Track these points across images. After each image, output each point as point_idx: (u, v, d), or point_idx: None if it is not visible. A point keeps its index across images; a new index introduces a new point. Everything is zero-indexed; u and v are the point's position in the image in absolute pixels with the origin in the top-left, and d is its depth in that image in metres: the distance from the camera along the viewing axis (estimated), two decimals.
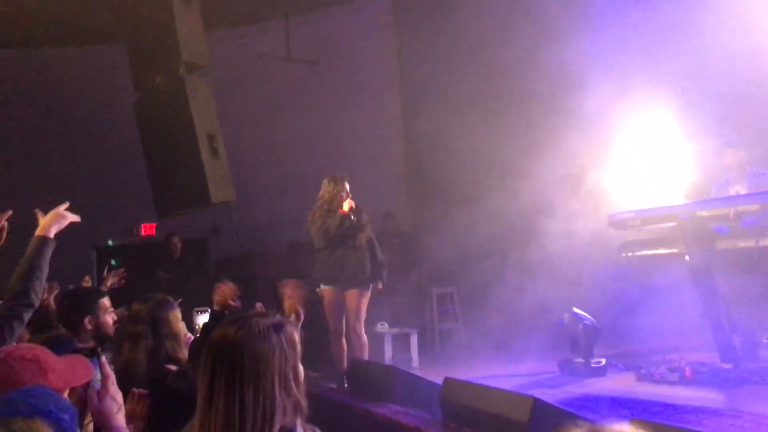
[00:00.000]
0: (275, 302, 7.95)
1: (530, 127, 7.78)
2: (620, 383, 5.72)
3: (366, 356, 5.95)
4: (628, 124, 7.01)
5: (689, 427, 4.21)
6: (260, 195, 9.97)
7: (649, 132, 7.13)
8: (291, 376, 1.83)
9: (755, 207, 5.23)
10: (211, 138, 7.75)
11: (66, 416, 1.61)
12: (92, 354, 2.01)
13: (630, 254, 6.42)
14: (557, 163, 7.15)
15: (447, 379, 4.13)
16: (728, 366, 5.42)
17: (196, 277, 8.52)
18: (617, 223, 6.24)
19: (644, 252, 6.34)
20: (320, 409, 2.10)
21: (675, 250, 6.04)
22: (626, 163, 7.17)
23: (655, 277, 6.39)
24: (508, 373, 6.31)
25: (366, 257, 5.99)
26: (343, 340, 6.08)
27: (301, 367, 1.89)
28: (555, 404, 3.76)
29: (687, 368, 5.47)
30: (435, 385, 4.37)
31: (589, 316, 6.24)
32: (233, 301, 3.86)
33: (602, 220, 6.41)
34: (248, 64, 10.49)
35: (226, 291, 3.89)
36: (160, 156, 8.31)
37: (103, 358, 2.06)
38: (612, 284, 7.02)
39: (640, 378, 5.68)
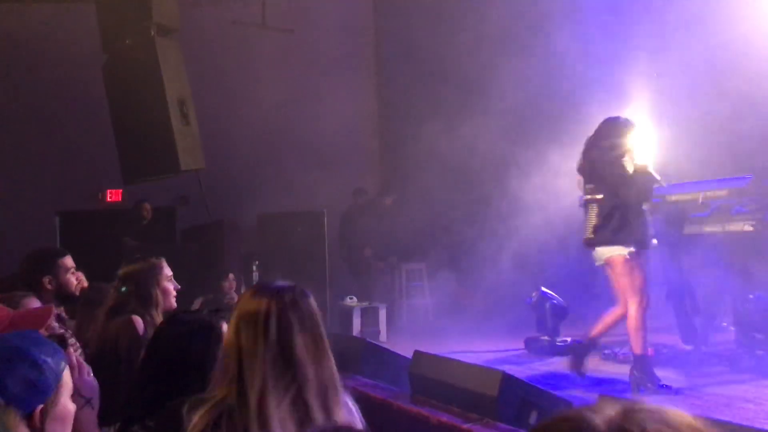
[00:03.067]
0: (244, 274, 7.91)
1: (509, 113, 7.77)
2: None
3: None
4: (605, 111, 7.05)
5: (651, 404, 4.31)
6: (232, 164, 9.82)
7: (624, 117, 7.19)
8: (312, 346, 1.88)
9: (723, 192, 5.32)
10: (181, 103, 7.58)
11: (49, 360, 1.56)
12: (60, 343, 1.91)
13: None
14: (533, 147, 7.20)
15: (417, 352, 4.13)
16: (689, 347, 5.55)
17: (163, 246, 8.38)
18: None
19: None
20: None
21: None
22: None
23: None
24: (475, 349, 6.35)
25: None
26: None
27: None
28: (524, 379, 3.79)
29: (650, 349, 5.57)
30: (404, 358, 4.38)
31: (556, 296, 6.31)
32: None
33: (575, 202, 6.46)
34: (222, 30, 10.26)
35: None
36: (128, 120, 8.10)
37: (71, 350, 1.96)
38: (581, 265, 7.10)
39: (605, 357, 5.77)
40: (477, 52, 8.17)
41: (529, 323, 6.53)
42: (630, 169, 4.74)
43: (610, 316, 4.95)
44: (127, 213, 9.15)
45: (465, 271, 8.07)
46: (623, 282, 4.76)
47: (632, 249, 4.69)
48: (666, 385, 4.65)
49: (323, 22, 10.51)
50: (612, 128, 4.89)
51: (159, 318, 3.23)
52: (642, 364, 4.72)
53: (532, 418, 3.42)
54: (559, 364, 5.75)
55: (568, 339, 6.20)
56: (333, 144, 9.80)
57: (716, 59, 6.62)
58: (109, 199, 10.37)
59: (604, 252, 4.79)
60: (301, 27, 10.55)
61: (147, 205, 8.90)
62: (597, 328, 5.01)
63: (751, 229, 5.13)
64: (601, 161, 4.82)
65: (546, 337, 6.19)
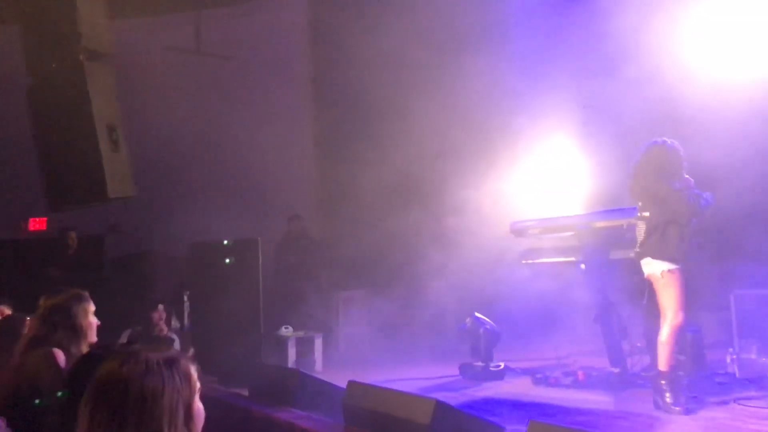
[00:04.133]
0: (175, 305, 7.69)
1: (442, 138, 7.92)
2: (518, 387, 5.90)
3: None
4: (534, 138, 7.28)
5: (583, 428, 4.40)
6: (165, 191, 9.59)
7: (553, 146, 7.44)
8: (181, 414, 1.72)
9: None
10: (111, 129, 7.38)
11: None
12: None
13: (530, 262, 6.63)
14: (466, 172, 7.33)
15: (350, 383, 4.10)
16: (617, 370, 5.70)
17: (89, 276, 8.07)
18: (518, 231, 6.45)
19: (543, 260, 6.56)
20: (221, 414, 2.02)
21: (572, 259, 6.30)
22: (530, 174, 7.44)
23: (551, 284, 6.65)
24: (412, 376, 6.36)
25: None
26: None
27: (198, 405, 1.78)
28: (457, 407, 3.81)
29: (580, 372, 5.72)
30: (338, 388, 4.33)
31: (489, 321, 6.39)
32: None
33: (506, 228, 6.61)
34: (157, 55, 10.10)
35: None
36: (54, 146, 7.80)
37: None
38: (513, 290, 7.24)
39: (537, 382, 5.88)
40: (410, 78, 8.29)
41: (465, 349, 6.58)
42: (672, 188, 4.92)
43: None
44: (52, 242, 8.80)
45: (402, 297, 8.10)
46: (661, 297, 4.90)
47: (672, 266, 4.81)
48: (686, 408, 4.66)
49: (260, 49, 10.49)
50: (664, 152, 5.06)
51: (85, 351, 3.12)
52: (665, 380, 4.76)
53: None
54: (493, 390, 5.83)
55: (501, 364, 6.29)
56: (269, 171, 9.74)
57: (645, 90, 6.94)
58: (32, 228, 9.95)
59: (646, 266, 4.98)
60: (237, 54, 10.50)
61: (73, 234, 8.59)
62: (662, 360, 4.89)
63: None
64: (646, 183, 5.03)
65: (480, 363, 6.25)
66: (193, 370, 1.78)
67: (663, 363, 4.79)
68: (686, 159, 5.08)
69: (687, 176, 5.03)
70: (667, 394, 4.70)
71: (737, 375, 5.43)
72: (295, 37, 10.93)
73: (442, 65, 7.84)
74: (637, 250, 5.09)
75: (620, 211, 5.92)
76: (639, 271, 5.77)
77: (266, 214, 8.82)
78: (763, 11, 6.40)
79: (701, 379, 5.32)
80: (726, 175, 5.92)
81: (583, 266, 6.08)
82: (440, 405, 3.48)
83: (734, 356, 5.52)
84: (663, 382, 4.76)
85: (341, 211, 9.31)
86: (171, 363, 1.75)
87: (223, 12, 10.74)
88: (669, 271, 4.80)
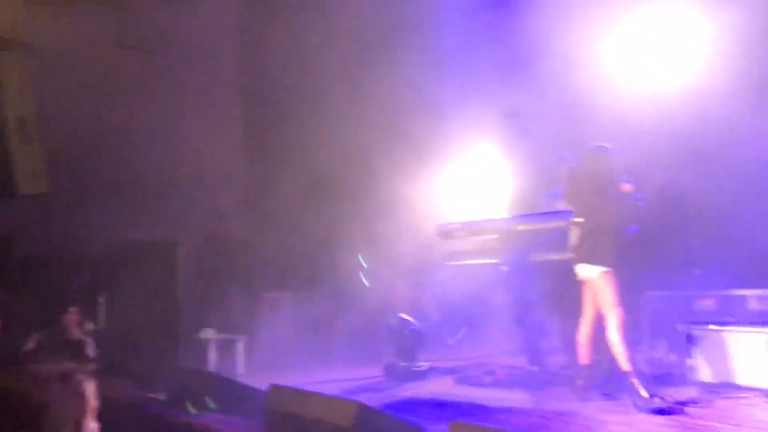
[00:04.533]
0: (88, 306, 7.36)
1: (369, 140, 7.92)
2: (440, 386, 5.98)
3: None
4: (459, 142, 7.40)
5: (501, 427, 4.50)
6: (84, 188, 9.18)
7: (477, 150, 7.59)
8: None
9: (564, 224, 5.73)
10: (22, 122, 7.01)
11: None
12: None
13: (455, 263, 6.74)
14: (393, 174, 7.37)
15: (272, 386, 4.05)
16: (535, 368, 5.87)
17: None
18: (444, 233, 6.55)
19: (467, 261, 6.69)
20: (135, 420, 1.94)
21: (495, 261, 6.44)
22: (456, 177, 7.56)
23: (476, 286, 6.78)
24: (336, 378, 6.34)
25: None
26: None
27: (90, 424, 1.70)
28: (379, 408, 3.82)
29: (500, 371, 5.85)
30: (260, 392, 4.27)
31: (415, 321, 6.45)
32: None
33: (432, 230, 6.70)
34: (78, 47, 9.65)
35: None
36: None
37: None
38: (438, 291, 7.34)
39: (458, 381, 5.98)
40: (339, 78, 8.27)
41: (391, 349, 6.61)
42: (608, 195, 5.04)
43: (582, 337, 5.17)
44: None
45: (328, 298, 8.07)
46: (601, 299, 5.00)
47: (606, 268, 4.94)
48: (658, 409, 4.65)
49: (186, 44, 10.21)
50: (595, 158, 5.15)
51: None
52: (633, 378, 4.80)
53: None
54: (416, 390, 5.88)
55: (426, 364, 6.36)
56: (193, 170, 9.48)
57: (566, 95, 7.17)
58: None
59: (582, 271, 5.09)
60: (161, 49, 10.17)
61: None
62: (584, 354, 5.17)
63: None
64: (578, 188, 5.16)
65: (404, 363, 6.30)
66: (90, 387, 1.70)
67: (624, 362, 4.85)
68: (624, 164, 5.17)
69: (627, 181, 5.11)
70: (642, 391, 4.73)
71: (646, 373, 5.68)
72: (222, 34, 10.70)
73: (370, 66, 7.86)
74: (572, 255, 5.26)
75: (541, 216, 6.11)
76: (558, 273, 5.98)
77: (190, 213, 8.59)
78: (676, 17, 6.71)
79: (615, 377, 5.53)
80: (641, 180, 6.20)
81: (505, 268, 6.24)
82: (362, 407, 3.48)
83: (644, 355, 5.77)
84: (633, 380, 4.80)
85: (268, 212, 9.17)
86: (64, 378, 1.67)
87: (148, 4, 10.39)
88: (604, 272, 4.95)
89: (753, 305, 5.58)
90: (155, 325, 6.37)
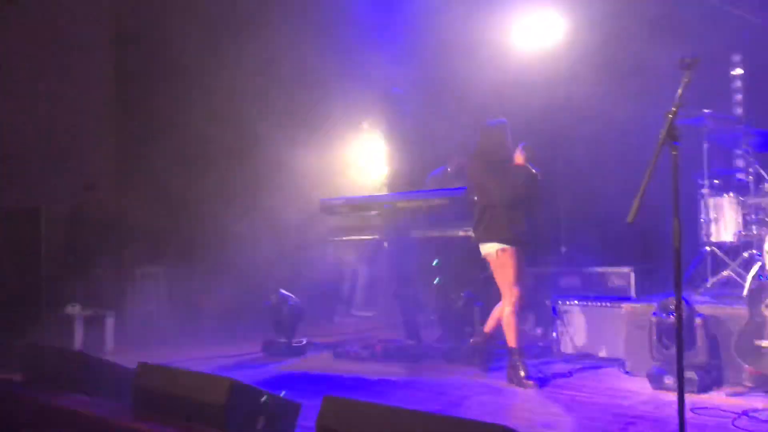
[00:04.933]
0: None
1: (251, 110, 7.69)
2: (319, 362, 5.99)
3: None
4: (345, 119, 7.37)
5: (377, 399, 4.57)
6: None
7: (362, 127, 7.59)
8: None
9: (444, 201, 5.87)
10: None
11: None
12: None
13: (337, 239, 6.73)
14: (276, 147, 7.21)
15: (141, 364, 3.86)
16: (412, 342, 6.01)
17: None
18: (327, 209, 6.51)
19: (349, 237, 6.70)
20: None
21: (376, 236, 6.50)
22: (339, 154, 7.53)
23: (356, 260, 6.83)
24: (212, 355, 6.19)
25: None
26: None
27: None
28: (254, 385, 3.75)
29: (378, 345, 5.95)
30: (129, 370, 4.06)
31: (294, 297, 6.40)
32: None
33: (315, 205, 6.64)
34: None
35: None
36: None
37: None
38: (319, 266, 7.31)
39: (337, 356, 6.01)
40: (217, 44, 7.93)
41: (269, 325, 6.53)
42: (500, 170, 4.92)
43: (497, 310, 5.09)
44: None
45: (205, 273, 7.80)
46: (498, 277, 4.95)
47: (504, 246, 4.86)
48: (539, 378, 4.84)
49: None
50: (485, 134, 5.06)
51: None
52: (516, 355, 4.85)
53: (260, 423, 3.39)
54: (295, 365, 5.86)
55: (304, 340, 6.35)
56: (61, 134, 8.80)
57: (452, 80, 7.31)
58: None
59: (482, 249, 5.01)
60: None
61: None
62: (489, 324, 5.17)
63: (463, 234, 5.73)
64: (473, 166, 5.05)
65: (283, 339, 6.25)
66: None
67: (511, 339, 4.88)
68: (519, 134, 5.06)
69: (520, 150, 4.97)
70: (521, 370, 4.80)
71: None
72: None
73: (253, 37, 7.59)
74: (471, 234, 5.23)
75: (422, 193, 6.22)
76: (436, 250, 6.13)
77: (56, 182, 7.97)
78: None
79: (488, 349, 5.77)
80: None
81: (385, 244, 6.33)
82: (236, 384, 3.39)
83: None
84: (515, 357, 4.85)
85: (140, 181, 8.67)
86: None
87: None
88: (502, 250, 4.88)
89: (613, 282, 6.01)
90: (13, 300, 5.89)
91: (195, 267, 7.55)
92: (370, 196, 6.59)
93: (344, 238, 6.43)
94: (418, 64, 6.99)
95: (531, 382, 4.75)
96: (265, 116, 7.14)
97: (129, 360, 4.56)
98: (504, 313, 4.94)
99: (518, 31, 7.17)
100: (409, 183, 6.65)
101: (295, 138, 6.98)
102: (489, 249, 4.96)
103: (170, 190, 7.48)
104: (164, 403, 3.60)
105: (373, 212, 6.33)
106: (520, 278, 4.93)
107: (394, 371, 5.42)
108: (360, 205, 6.38)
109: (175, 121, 7.52)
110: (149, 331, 7.39)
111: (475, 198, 5.16)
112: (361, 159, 7.45)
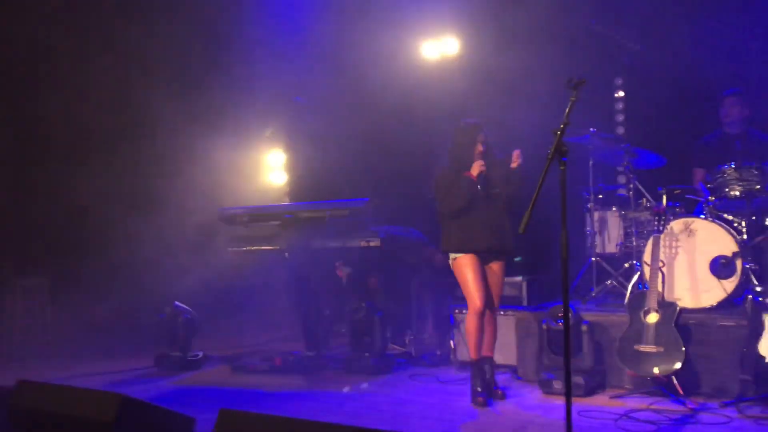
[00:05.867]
0: None
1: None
2: (216, 375, 5.83)
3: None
4: (247, 127, 7.25)
5: (275, 412, 4.50)
6: None
7: (264, 134, 7.51)
8: None
9: (345, 211, 5.90)
10: None
11: None
12: None
13: (236, 249, 6.58)
14: (170, 153, 6.99)
15: (20, 382, 3.60)
16: (312, 354, 5.98)
17: None
18: (226, 218, 6.37)
19: (249, 248, 6.57)
20: None
21: (277, 247, 6.41)
22: (240, 162, 7.40)
23: (258, 272, 6.71)
24: (102, 371, 5.89)
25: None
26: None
27: None
28: (146, 401, 3.60)
29: (278, 358, 5.86)
30: (4, 389, 3.78)
31: (190, 309, 6.20)
32: None
33: (213, 214, 6.48)
34: None
35: None
36: None
37: None
38: (218, 278, 7.14)
39: (236, 369, 5.88)
40: (112, 40, 7.57)
41: (163, 339, 6.28)
42: (435, 179, 4.70)
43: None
44: None
45: (95, 283, 7.41)
46: (461, 286, 4.72)
47: (455, 255, 4.66)
48: (484, 398, 4.54)
49: None
50: (453, 135, 4.76)
51: None
52: (471, 368, 4.66)
53: None
54: (190, 380, 5.67)
55: (200, 354, 6.16)
56: None
57: (354, 89, 7.37)
58: None
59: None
60: None
61: None
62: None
63: (364, 244, 5.77)
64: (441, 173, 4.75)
65: (178, 353, 6.03)
66: None
67: (472, 351, 4.68)
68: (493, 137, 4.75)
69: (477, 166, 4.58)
70: (473, 384, 4.61)
71: (414, 354, 6.09)
72: None
73: (156, 40, 7.32)
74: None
75: (324, 203, 6.22)
76: (337, 259, 6.14)
77: None
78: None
79: (386, 359, 5.82)
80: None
81: (287, 255, 6.25)
82: (126, 400, 3.23)
83: (412, 337, 6.17)
84: (474, 371, 4.64)
85: (21, 179, 8.02)
86: None
87: None
88: (454, 260, 4.70)
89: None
90: None
91: (83, 277, 7.15)
92: (270, 206, 6.52)
93: (244, 249, 6.29)
94: (321, 73, 7.00)
95: (479, 399, 4.54)
96: (162, 121, 6.89)
97: (6, 378, 4.26)
98: (466, 322, 4.74)
99: (419, 43, 7.36)
100: (311, 192, 6.64)
101: (194, 144, 6.80)
102: (449, 259, 4.75)
103: (57, 194, 7.05)
104: (46, 423, 3.39)
105: (274, 222, 6.25)
106: (478, 287, 4.62)
107: (293, 383, 5.36)
108: (260, 214, 6.29)
109: (60, 108, 7.05)
110: (30, 347, 6.93)
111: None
112: (263, 168, 7.36)
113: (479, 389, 4.60)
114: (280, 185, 7.14)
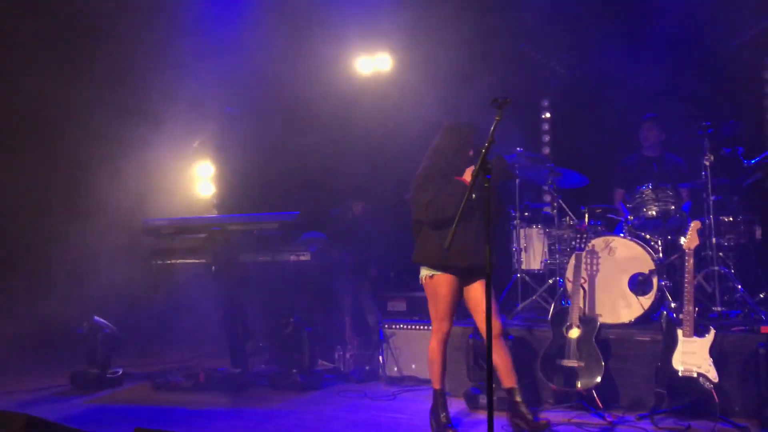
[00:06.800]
0: None
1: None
2: (136, 393, 5.62)
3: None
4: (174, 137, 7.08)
5: (194, 431, 4.37)
6: None
7: (193, 145, 7.35)
8: None
9: (274, 225, 5.82)
10: None
11: None
12: None
13: (160, 262, 6.37)
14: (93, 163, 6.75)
15: None
16: (238, 370, 5.84)
17: None
18: (150, 230, 6.17)
19: (174, 260, 6.37)
20: None
21: (203, 260, 6.25)
22: (167, 173, 7.20)
23: (183, 286, 6.51)
24: (10, 389, 5.59)
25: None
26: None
27: None
28: (55, 421, 3.42)
29: (201, 374, 5.70)
30: None
31: (110, 324, 5.96)
32: None
33: (136, 226, 6.27)
34: None
35: None
36: None
37: None
38: (142, 292, 6.91)
39: (157, 386, 5.68)
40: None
41: (80, 355, 6.01)
42: (415, 184, 4.18)
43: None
44: None
45: (4, 295, 7.03)
46: (429, 305, 4.24)
47: (431, 271, 4.15)
48: (454, 428, 4.19)
49: None
50: (442, 133, 4.26)
51: None
52: (436, 398, 4.26)
53: None
54: (109, 398, 5.44)
55: (120, 370, 5.92)
56: None
57: (286, 102, 7.32)
58: None
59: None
60: None
61: None
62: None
63: (294, 258, 5.70)
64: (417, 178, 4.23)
65: (95, 370, 5.78)
66: None
67: (434, 380, 4.27)
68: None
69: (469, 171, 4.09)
70: (441, 416, 4.20)
71: (343, 370, 6.04)
72: None
73: (78, 45, 7.07)
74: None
75: (251, 216, 6.12)
76: (266, 274, 6.03)
77: None
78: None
79: (314, 375, 5.75)
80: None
81: (213, 268, 6.10)
82: (32, 420, 3.07)
83: (342, 352, 6.13)
84: (437, 400, 4.26)
85: None
86: None
87: None
88: (429, 277, 4.16)
89: None
90: None
91: None
92: (197, 218, 6.36)
93: (168, 262, 6.09)
94: (254, 85, 6.92)
95: (451, 430, 4.17)
96: (84, 126, 6.65)
97: None
98: (430, 346, 4.29)
99: (353, 59, 7.39)
100: (239, 205, 6.52)
101: (117, 152, 6.58)
102: (421, 274, 4.23)
103: None
104: None
105: (201, 235, 6.10)
106: (448, 311, 4.18)
107: (217, 401, 5.22)
108: (186, 226, 6.12)
109: None
110: None
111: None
112: (191, 178, 7.19)
113: (444, 421, 4.19)
114: (208, 197, 6.98)
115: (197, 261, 6.18)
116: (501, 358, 4.21)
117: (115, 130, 6.62)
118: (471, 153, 4.16)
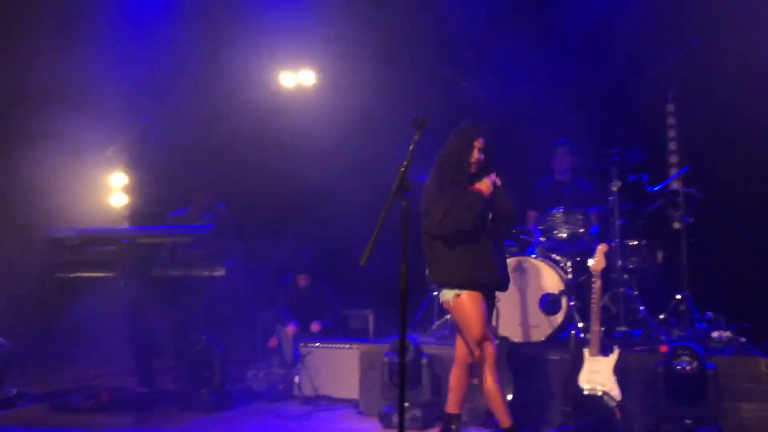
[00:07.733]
0: None
1: None
2: (31, 415, 5.31)
3: None
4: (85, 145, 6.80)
5: None
6: None
7: (105, 153, 7.05)
8: None
9: (188, 238, 5.64)
10: None
11: None
12: None
13: (64, 275, 6.05)
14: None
15: None
16: (145, 389, 5.60)
17: None
18: (55, 241, 5.85)
19: (80, 274, 6.06)
20: None
21: (112, 274, 5.97)
22: (76, 181, 6.89)
23: (89, 301, 6.20)
24: None
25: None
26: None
27: None
28: None
29: (105, 394, 5.44)
30: None
31: (3, 341, 5.60)
32: None
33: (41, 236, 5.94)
34: None
35: None
36: None
37: None
38: (44, 306, 6.56)
39: (55, 408, 5.37)
40: None
41: None
42: (432, 195, 3.93)
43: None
44: None
45: None
46: (462, 329, 3.99)
47: (460, 291, 3.90)
48: None
49: None
50: (450, 139, 4.04)
51: None
52: (445, 422, 4.13)
53: None
54: (7, 420, 5.09)
55: (14, 390, 5.56)
56: None
57: (202, 114, 7.16)
58: None
59: (441, 294, 4.02)
60: None
61: None
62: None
63: (208, 274, 5.54)
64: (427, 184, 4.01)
65: None
66: None
67: (452, 404, 4.14)
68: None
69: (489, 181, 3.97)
70: None
71: (255, 389, 5.90)
72: None
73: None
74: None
75: (164, 229, 5.92)
76: (179, 288, 5.84)
77: None
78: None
79: (225, 394, 5.58)
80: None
81: (121, 282, 5.84)
82: None
83: (254, 371, 5.97)
84: (451, 426, 4.12)
85: None
86: None
87: None
88: (456, 296, 3.90)
89: (353, 323, 6.23)
90: None
91: None
92: (106, 229, 6.09)
93: (72, 275, 5.77)
94: (170, 94, 6.74)
95: None
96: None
97: None
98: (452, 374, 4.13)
99: (276, 72, 7.32)
100: (151, 217, 6.29)
101: (21, 159, 6.24)
102: (445, 296, 3.97)
103: None
104: None
105: (110, 247, 5.83)
106: (482, 332, 3.91)
107: (121, 422, 4.99)
108: (94, 238, 5.84)
109: None
110: None
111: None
112: (101, 189, 6.88)
113: None
114: (119, 208, 6.69)
115: (105, 275, 5.91)
116: (492, 393, 3.96)
117: (18, 131, 6.28)
118: (477, 157, 3.94)
